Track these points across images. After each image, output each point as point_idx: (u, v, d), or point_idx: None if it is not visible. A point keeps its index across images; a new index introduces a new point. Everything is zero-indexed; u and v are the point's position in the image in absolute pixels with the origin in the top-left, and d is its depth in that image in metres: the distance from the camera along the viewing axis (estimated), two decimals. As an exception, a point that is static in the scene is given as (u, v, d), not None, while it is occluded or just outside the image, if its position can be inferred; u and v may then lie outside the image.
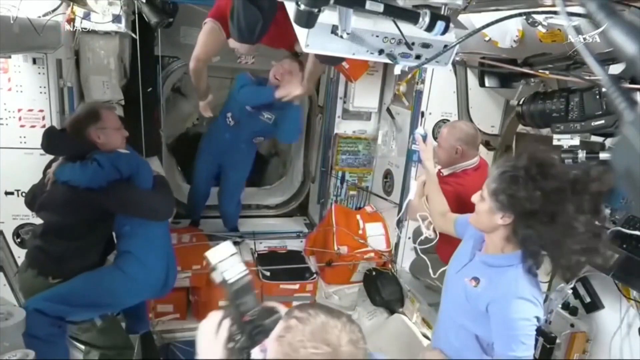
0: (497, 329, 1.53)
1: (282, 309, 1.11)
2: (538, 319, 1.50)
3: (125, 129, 2.35)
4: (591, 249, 1.40)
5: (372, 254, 3.59)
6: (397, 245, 3.61)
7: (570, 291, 2.31)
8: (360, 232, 3.69)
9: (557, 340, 2.31)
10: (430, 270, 2.51)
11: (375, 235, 3.70)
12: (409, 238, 3.52)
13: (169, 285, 2.60)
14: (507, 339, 1.49)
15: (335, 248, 3.61)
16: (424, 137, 2.15)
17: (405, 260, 3.57)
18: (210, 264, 1.11)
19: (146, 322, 2.88)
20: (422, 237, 2.52)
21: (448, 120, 3.27)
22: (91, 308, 2.34)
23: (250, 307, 1.10)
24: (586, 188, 1.39)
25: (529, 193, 1.40)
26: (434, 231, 2.28)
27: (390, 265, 3.62)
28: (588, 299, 2.30)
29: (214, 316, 1.14)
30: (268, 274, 3.53)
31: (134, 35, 2.65)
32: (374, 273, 3.53)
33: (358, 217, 3.80)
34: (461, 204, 2.32)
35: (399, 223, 3.58)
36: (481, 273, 1.61)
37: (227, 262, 1.10)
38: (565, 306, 2.42)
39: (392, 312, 3.36)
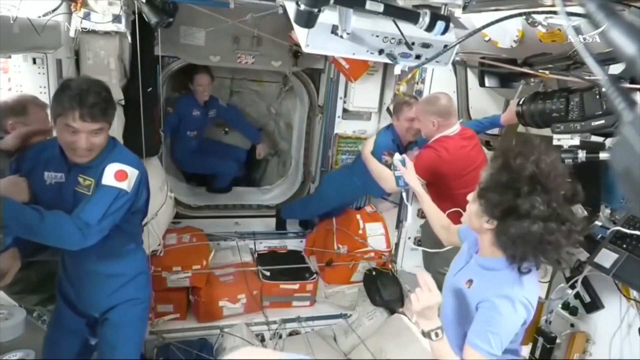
0: (477, 320, 1.50)
1: None
2: (524, 322, 1.48)
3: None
4: (576, 239, 1.37)
5: (372, 254, 3.59)
6: (397, 245, 3.61)
7: (571, 291, 2.32)
8: (360, 232, 3.69)
9: (557, 340, 2.32)
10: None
11: (375, 235, 3.70)
12: (409, 238, 3.53)
13: None
14: (480, 330, 1.46)
15: (335, 248, 3.61)
16: (403, 162, 2.21)
17: (405, 261, 3.57)
18: None
19: None
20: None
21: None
22: None
23: None
24: (552, 182, 1.34)
25: (500, 197, 1.36)
26: None
27: (390, 265, 3.62)
28: (588, 299, 2.30)
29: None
30: (268, 274, 3.53)
31: (129, 38, 2.64)
32: (374, 273, 3.53)
33: (358, 217, 3.79)
34: (443, 165, 2.65)
35: (399, 224, 3.59)
36: (475, 274, 1.59)
37: None
38: (565, 306, 2.42)
39: (392, 312, 3.36)
